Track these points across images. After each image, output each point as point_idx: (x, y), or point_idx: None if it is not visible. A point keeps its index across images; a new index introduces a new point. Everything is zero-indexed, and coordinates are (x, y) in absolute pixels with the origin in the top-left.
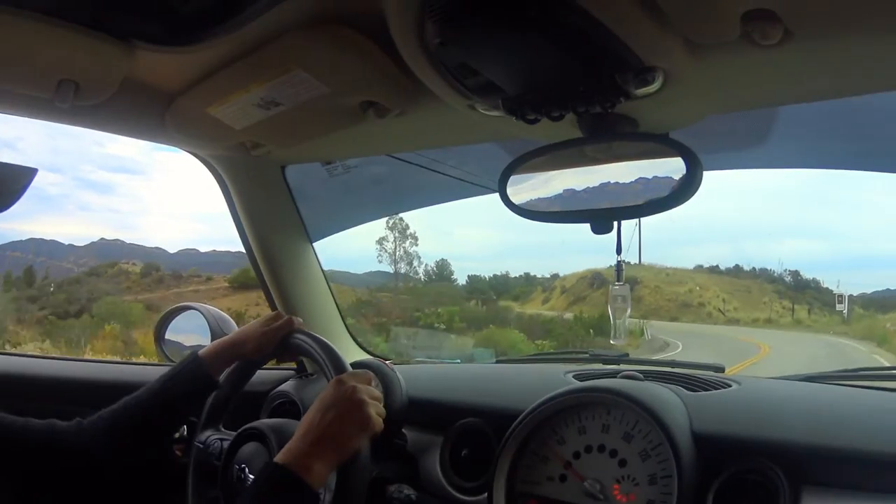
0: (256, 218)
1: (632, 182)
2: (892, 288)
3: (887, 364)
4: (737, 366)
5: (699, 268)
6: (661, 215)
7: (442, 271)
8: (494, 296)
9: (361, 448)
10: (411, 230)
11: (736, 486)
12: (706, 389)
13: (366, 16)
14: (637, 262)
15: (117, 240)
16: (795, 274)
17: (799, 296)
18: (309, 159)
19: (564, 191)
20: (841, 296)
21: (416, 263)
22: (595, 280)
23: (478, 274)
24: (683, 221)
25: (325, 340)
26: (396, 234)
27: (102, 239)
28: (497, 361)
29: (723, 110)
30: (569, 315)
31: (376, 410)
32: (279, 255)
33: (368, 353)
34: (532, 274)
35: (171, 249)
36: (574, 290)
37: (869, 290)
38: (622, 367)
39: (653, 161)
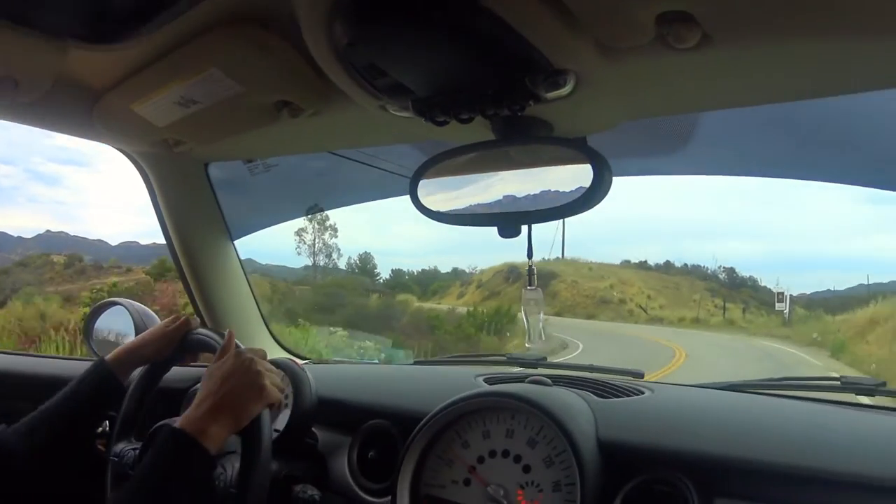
0: (178, 214)
1: (542, 185)
2: (833, 289)
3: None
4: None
5: (626, 263)
6: (592, 214)
7: (365, 265)
8: (415, 291)
9: (261, 416)
10: (331, 222)
11: (643, 495)
12: (617, 396)
13: (279, 16)
14: (560, 256)
15: (62, 232)
16: (731, 271)
17: (733, 294)
18: (229, 157)
19: (474, 194)
20: (781, 294)
21: (335, 256)
22: (510, 274)
23: (402, 269)
24: (617, 223)
25: (223, 332)
26: (315, 226)
27: (48, 231)
28: (415, 363)
29: (640, 115)
30: (462, 310)
31: (272, 381)
32: (199, 251)
33: (287, 351)
34: (461, 269)
35: (113, 242)
36: (489, 284)
37: (808, 291)
38: (540, 371)
39: (565, 165)
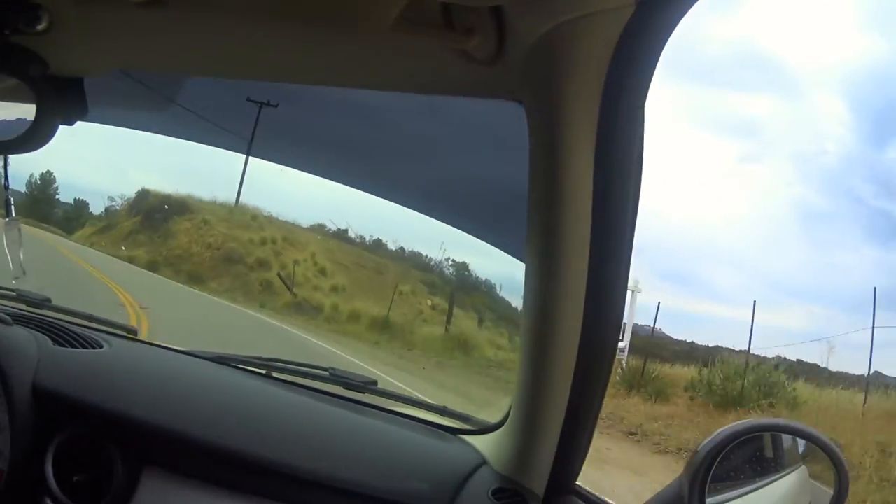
0: None
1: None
2: None
3: None
4: None
5: (319, 228)
6: None
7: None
8: None
9: None
10: None
11: (76, 450)
12: (74, 346)
13: None
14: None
15: None
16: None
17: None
18: None
19: None
20: None
21: None
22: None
23: None
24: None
25: None
26: None
27: None
28: None
29: (125, 65)
30: None
31: None
32: None
33: None
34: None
35: None
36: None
37: None
38: (44, 311)
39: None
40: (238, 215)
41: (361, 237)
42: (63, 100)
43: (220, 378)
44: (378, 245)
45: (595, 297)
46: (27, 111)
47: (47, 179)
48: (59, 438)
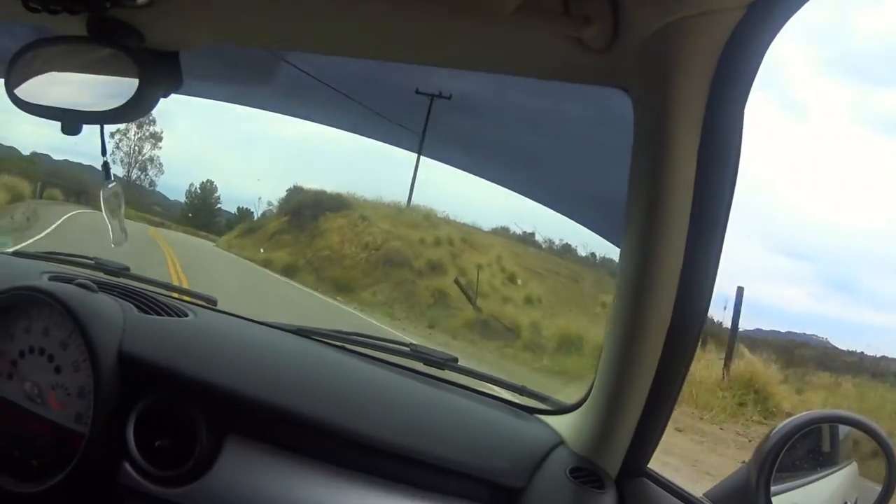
0: None
1: (102, 87)
2: None
3: None
4: None
5: (502, 231)
6: None
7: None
8: None
9: None
10: (156, 128)
11: (159, 415)
12: (159, 314)
13: None
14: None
15: None
16: None
17: None
18: None
19: (52, 85)
20: None
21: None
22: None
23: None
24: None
25: None
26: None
27: None
28: (13, 253)
29: (221, 39)
30: None
31: None
32: None
33: None
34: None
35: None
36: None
37: None
38: (121, 280)
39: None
40: (407, 214)
41: (549, 241)
42: (163, 72)
43: (302, 349)
44: (566, 250)
45: (688, 285)
46: (127, 83)
47: (208, 188)
48: (142, 404)
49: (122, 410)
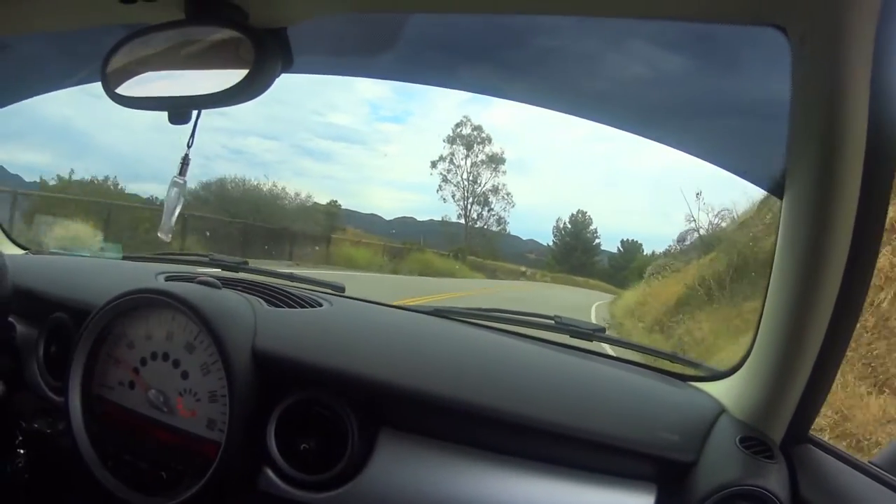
0: None
1: (212, 70)
2: None
3: None
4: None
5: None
6: None
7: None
8: None
9: None
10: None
11: (304, 414)
12: (291, 306)
13: None
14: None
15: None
16: None
17: None
18: None
19: (154, 76)
20: None
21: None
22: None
23: None
24: None
25: None
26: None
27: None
28: (123, 258)
29: (332, 9)
30: None
31: None
32: None
33: (11, 240)
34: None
35: (388, 216)
36: None
37: None
38: (240, 275)
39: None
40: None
41: None
42: (274, 48)
43: (443, 331)
44: None
45: (860, 234)
46: (236, 62)
47: (579, 221)
48: (283, 405)
49: (261, 413)
